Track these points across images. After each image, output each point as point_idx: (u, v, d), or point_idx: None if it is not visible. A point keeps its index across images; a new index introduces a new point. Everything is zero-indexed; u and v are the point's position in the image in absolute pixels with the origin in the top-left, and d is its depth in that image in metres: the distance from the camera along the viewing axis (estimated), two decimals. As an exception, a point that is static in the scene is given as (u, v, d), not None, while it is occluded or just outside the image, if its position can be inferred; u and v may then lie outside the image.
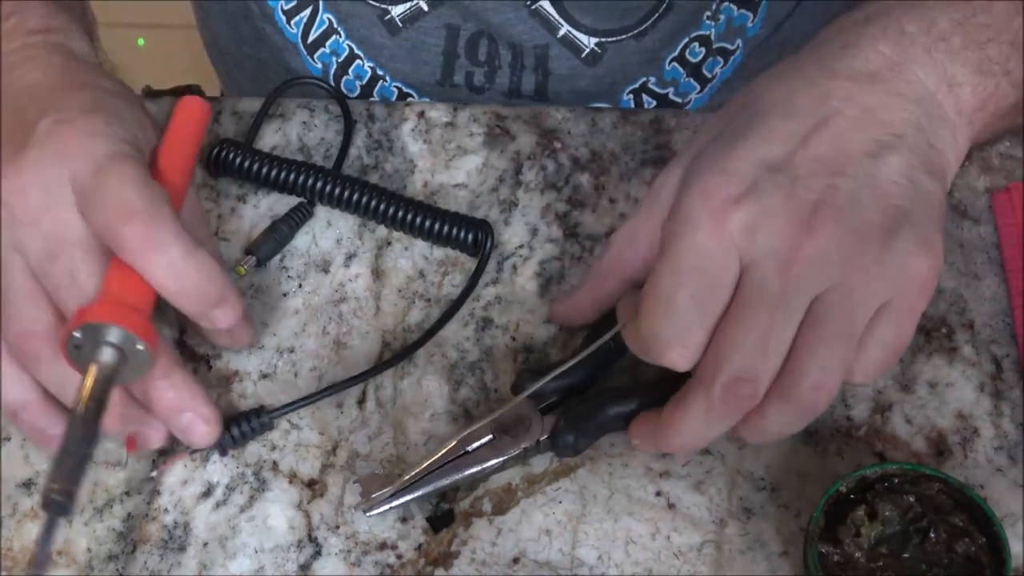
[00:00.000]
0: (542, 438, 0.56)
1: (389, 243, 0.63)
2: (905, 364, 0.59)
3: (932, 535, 0.51)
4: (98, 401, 0.50)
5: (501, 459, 0.55)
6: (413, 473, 0.55)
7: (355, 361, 0.60)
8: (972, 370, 0.59)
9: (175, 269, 0.51)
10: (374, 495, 0.55)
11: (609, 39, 0.72)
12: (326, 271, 0.62)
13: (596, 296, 0.57)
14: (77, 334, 0.50)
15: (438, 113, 0.67)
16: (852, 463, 0.57)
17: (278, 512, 0.56)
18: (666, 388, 0.53)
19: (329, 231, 0.64)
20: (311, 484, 0.57)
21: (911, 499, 0.51)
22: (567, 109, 0.67)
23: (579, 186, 0.65)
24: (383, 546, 0.55)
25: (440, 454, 0.55)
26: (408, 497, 0.55)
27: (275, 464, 0.57)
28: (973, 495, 0.51)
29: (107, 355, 0.50)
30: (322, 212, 0.64)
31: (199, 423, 0.54)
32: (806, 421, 0.50)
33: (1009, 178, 0.64)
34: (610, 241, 0.57)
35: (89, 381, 0.50)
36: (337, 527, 0.56)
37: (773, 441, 0.52)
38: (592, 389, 0.57)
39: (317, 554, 0.55)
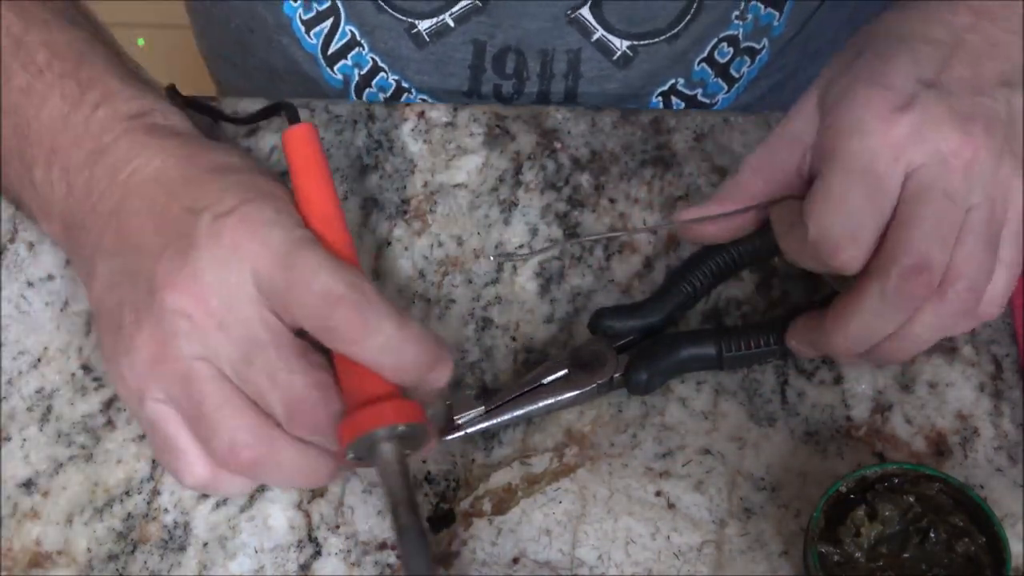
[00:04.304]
0: (616, 375, 0.57)
1: (389, 243, 0.63)
2: (905, 364, 0.59)
3: (932, 535, 0.51)
4: (409, 498, 0.48)
5: (574, 393, 0.57)
6: (488, 403, 0.56)
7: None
8: (972, 370, 0.59)
9: (391, 347, 0.48)
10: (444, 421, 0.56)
11: (642, 42, 0.72)
12: (326, 271, 0.62)
13: (727, 211, 0.56)
14: (351, 453, 0.49)
15: (438, 113, 0.67)
16: (852, 463, 0.57)
17: (278, 512, 0.56)
18: (747, 331, 0.56)
19: (329, 231, 0.63)
20: (311, 484, 0.57)
21: (911, 499, 0.51)
22: (567, 109, 0.67)
23: (579, 186, 0.65)
24: (383, 546, 0.55)
25: (515, 386, 0.57)
26: (481, 425, 0.56)
27: (275, 464, 0.57)
28: (973, 495, 0.51)
29: (386, 452, 0.49)
30: (322, 212, 0.64)
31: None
32: (953, 328, 0.52)
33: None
34: (743, 164, 0.56)
35: (393, 483, 0.49)
36: (337, 527, 0.56)
37: (912, 355, 0.54)
38: (669, 331, 0.58)
39: (317, 554, 0.55)
